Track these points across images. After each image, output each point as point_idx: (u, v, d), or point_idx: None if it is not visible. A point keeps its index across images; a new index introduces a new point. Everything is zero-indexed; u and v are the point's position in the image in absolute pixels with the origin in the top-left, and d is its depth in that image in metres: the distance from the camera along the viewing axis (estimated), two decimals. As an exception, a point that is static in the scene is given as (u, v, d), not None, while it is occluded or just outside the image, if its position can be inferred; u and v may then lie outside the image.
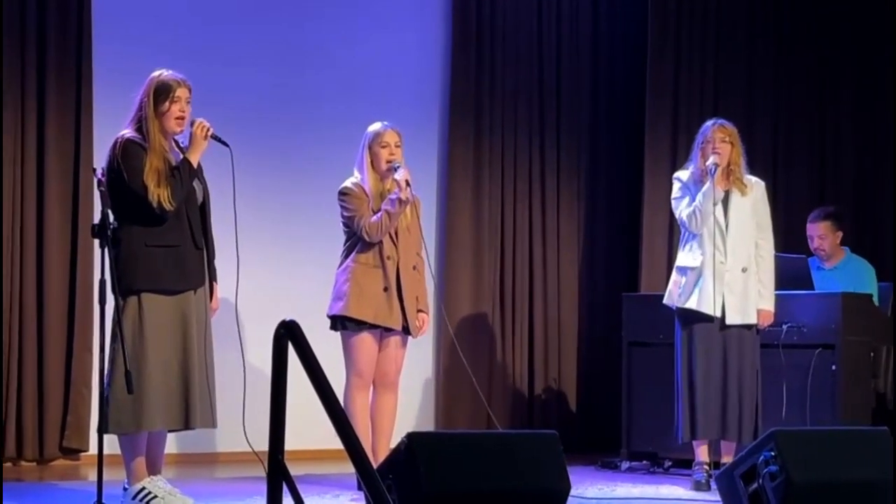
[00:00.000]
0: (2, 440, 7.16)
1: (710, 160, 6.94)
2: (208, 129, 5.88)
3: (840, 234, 8.34)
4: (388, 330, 6.83)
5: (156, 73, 5.89)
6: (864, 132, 9.98)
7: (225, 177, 5.93)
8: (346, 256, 6.84)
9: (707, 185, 6.93)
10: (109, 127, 6.50)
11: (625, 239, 9.56)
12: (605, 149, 9.60)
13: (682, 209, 7.04)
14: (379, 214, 6.71)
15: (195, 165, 5.86)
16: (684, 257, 7.08)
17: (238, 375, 5.95)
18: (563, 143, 9.42)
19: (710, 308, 6.94)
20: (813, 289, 7.77)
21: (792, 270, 7.67)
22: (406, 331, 6.85)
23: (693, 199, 7.00)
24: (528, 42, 9.30)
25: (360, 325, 6.76)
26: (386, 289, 6.76)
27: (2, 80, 7.60)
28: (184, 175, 5.79)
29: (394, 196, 6.71)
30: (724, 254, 6.99)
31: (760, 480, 5.40)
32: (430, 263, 7.05)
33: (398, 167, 6.76)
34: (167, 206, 5.73)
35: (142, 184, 5.71)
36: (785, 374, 7.32)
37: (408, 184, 6.70)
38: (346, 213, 6.83)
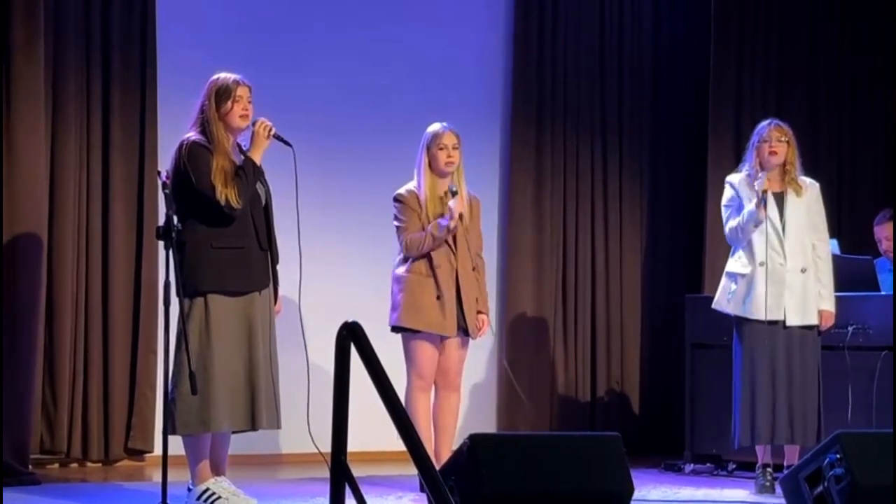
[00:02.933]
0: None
1: (758, 184, 6.87)
2: (270, 129, 5.92)
3: (908, 233, 8.29)
4: (445, 334, 6.87)
5: (214, 77, 5.95)
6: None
7: (288, 178, 5.95)
8: (401, 264, 6.87)
9: (752, 206, 6.88)
10: (174, 129, 6.54)
11: (687, 240, 9.50)
12: (667, 149, 9.55)
13: (727, 220, 7.03)
14: (423, 233, 6.73)
15: (258, 164, 5.89)
16: (734, 263, 7.05)
17: (301, 376, 5.97)
18: (626, 144, 9.39)
19: (762, 313, 6.89)
20: (878, 290, 7.70)
21: (857, 272, 7.60)
22: (465, 332, 6.86)
23: (741, 208, 6.96)
24: (590, 42, 9.27)
25: (418, 330, 6.80)
26: (439, 297, 6.77)
27: (54, 82, 7.68)
28: (248, 174, 5.82)
29: (443, 222, 6.72)
30: (783, 255, 6.94)
31: (826, 483, 5.36)
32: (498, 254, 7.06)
33: (455, 191, 6.76)
34: (235, 205, 5.76)
35: (209, 184, 5.75)
36: (850, 376, 7.25)
37: (461, 217, 6.72)
38: (395, 222, 6.88)
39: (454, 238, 6.83)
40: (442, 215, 6.79)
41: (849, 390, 7.23)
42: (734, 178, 7.12)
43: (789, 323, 6.92)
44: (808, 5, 9.69)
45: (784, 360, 6.91)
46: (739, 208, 6.98)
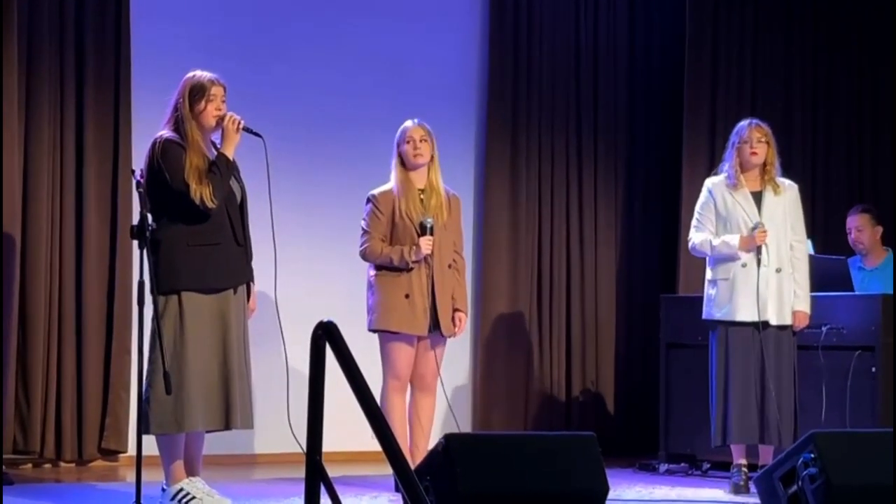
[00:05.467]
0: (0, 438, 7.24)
1: (758, 235, 6.91)
2: (239, 122, 5.89)
3: (879, 229, 8.32)
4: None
5: (190, 74, 5.93)
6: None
7: (261, 176, 5.92)
8: (373, 266, 6.88)
9: (737, 243, 6.90)
10: (148, 129, 6.52)
11: (662, 239, 9.52)
12: (642, 148, 9.57)
13: (694, 234, 7.09)
14: (385, 251, 6.77)
15: (231, 159, 5.88)
16: (714, 269, 7.06)
17: (276, 375, 5.96)
18: (601, 142, 9.39)
19: (745, 315, 6.91)
20: (852, 290, 7.73)
21: (831, 272, 7.63)
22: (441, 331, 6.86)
23: (716, 208, 7.00)
24: (565, 39, 9.28)
25: (394, 332, 6.80)
26: (407, 296, 6.76)
27: (27, 81, 7.65)
28: (222, 170, 5.81)
29: (412, 257, 6.72)
30: (763, 256, 6.96)
31: (800, 483, 5.38)
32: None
33: (428, 227, 6.76)
34: (209, 203, 5.74)
35: (184, 182, 5.72)
36: (824, 376, 7.27)
37: (425, 259, 6.75)
38: (361, 223, 6.89)
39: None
40: (416, 225, 6.77)
41: (823, 390, 7.25)
42: (713, 181, 7.13)
43: (769, 323, 6.94)
44: (784, 6, 9.72)
45: (760, 360, 6.93)
46: (717, 218, 7.01)
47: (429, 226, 6.78)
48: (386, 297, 6.78)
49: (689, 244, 7.17)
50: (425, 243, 6.75)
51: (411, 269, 6.78)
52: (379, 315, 6.79)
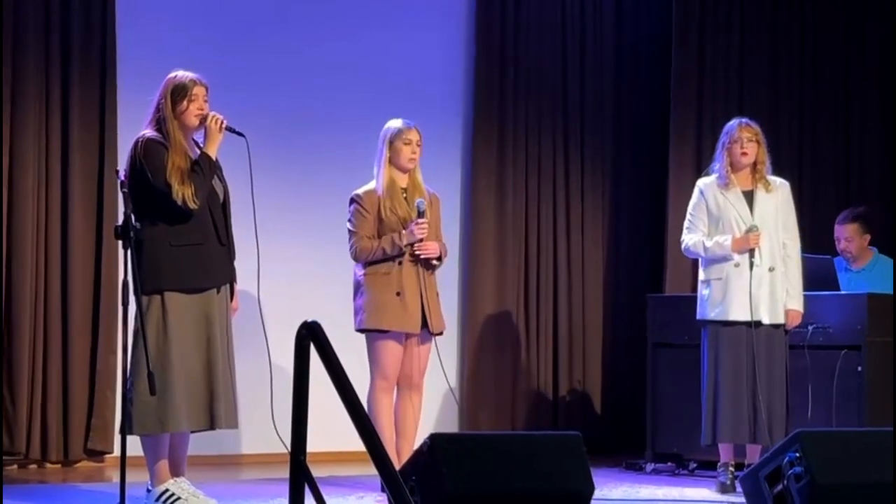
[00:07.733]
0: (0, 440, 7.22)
1: (752, 237, 6.91)
2: (222, 122, 5.89)
3: (868, 237, 8.31)
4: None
5: (172, 75, 5.92)
6: (891, 130, 9.90)
7: (244, 175, 5.91)
8: (360, 267, 6.85)
9: (729, 243, 6.90)
10: (133, 128, 6.49)
11: (649, 239, 9.53)
12: (629, 147, 9.57)
13: (686, 235, 7.09)
14: (375, 244, 6.74)
15: (214, 158, 5.87)
16: (707, 269, 7.05)
17: (261, 375, 5.94)
18: (588, 142, 9.40)
19: (740, 314, 6.90)
20: (839, 290, 7.73)
21: (817, 271, 7.63)
22: (429, 330, 6.85)
23: (708, 208, 7.01)
24: (552, 40, 9.28)
25: (383, 331, 6.78)
26: (399, 293, 6.75)
27: (17, 79, 7.63)
28: (205, 169, 5.80)
29: (404, 241, 6.71)
30: (756, 255, 6.96)
31: (785, 482, 5.38)
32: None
33: (422, 212, 6.74)
34: (191, 204, 5.73)
35: (165, 182, 5.72)
36: (810, 375, 7.29)
37: (416, 259, 6.74)
38: (347, 224, 6.87)
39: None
40: (403, 221, 6.76)
41: (809, 389, 7.26)
42: (704, 182, 7.14)
43: (761, 322, 6.94)
44: (770, 8, 9.73)
45: (751, 359, 6.93)
46: (709, 218, 7.01)
47: (422, 209, 6.74)
48: (377, 296, 6.75)
49: (682, 246, 7.17)
50: (418, 229, 6.71)
51: (401, 263, 6.75)
52: (369, 314, 6.76)
